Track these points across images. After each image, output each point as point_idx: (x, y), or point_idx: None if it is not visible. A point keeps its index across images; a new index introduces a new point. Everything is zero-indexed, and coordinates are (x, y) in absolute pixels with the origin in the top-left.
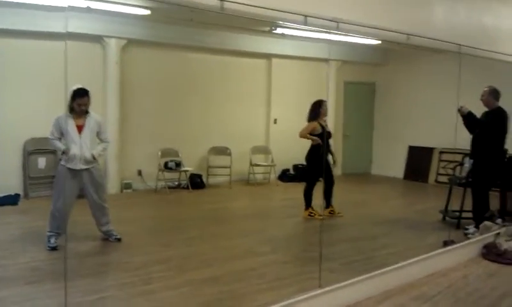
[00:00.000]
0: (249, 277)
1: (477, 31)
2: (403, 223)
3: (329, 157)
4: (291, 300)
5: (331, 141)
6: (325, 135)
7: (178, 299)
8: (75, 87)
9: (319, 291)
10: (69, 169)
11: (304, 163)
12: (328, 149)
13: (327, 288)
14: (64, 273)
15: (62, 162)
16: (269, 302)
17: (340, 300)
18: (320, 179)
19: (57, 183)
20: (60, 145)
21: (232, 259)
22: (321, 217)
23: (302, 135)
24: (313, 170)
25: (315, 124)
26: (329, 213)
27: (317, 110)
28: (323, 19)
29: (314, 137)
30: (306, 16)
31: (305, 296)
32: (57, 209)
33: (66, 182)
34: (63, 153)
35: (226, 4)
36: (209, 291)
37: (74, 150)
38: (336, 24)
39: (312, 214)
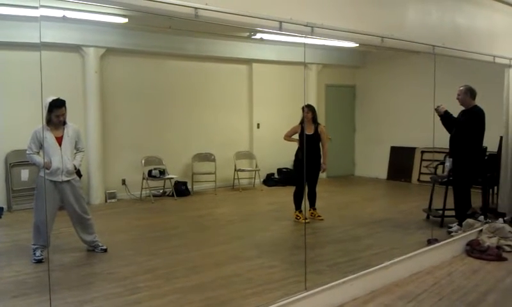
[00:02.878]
0: (236, 282)
1: (450, 31)
2: (388, 223)
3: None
4: (277, 303)
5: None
6: (304, 137)
7: None
8: (50, 99)
9: (305, 293)
10: (50, 181)
11: (288, 167)
12: (313, 152)
13: (313, 291)
14: (48, 285)
15: (41, 174)
16: (255, 306)
17: (326, 302)
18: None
19: (39, 195)
20: (39, 160)
21: (219, 266)
22: (306, 221)
23: (284, 138)
24: (297, 172)
25: (296, 127)
26: (311, 215)
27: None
28: (297, 24)
29: (293, 139)
30: (281, 21)
31: (291, 299)
32: (41, 221)
33: (47, 194)
34: (44, 167)
35: (201, 12)
36: (196, 298)
37: (56, 163)
38: (311, 29)
39: (298, 217)
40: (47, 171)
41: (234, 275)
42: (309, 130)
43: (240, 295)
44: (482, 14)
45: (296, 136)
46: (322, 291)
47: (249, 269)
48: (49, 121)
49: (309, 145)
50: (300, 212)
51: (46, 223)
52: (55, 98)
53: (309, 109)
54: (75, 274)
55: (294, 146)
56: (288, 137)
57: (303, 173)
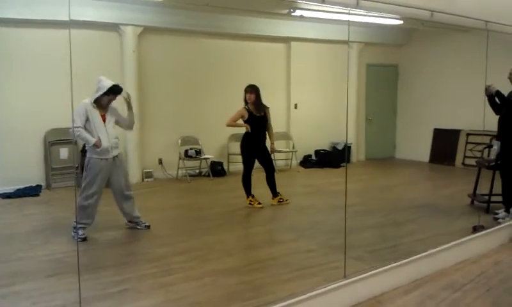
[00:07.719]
0: (271, 266)
1: (504, 6)
2: (430, 208)
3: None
4: (315, 291)
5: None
6: (254, 121)
7: (199, 291)
8: (110, 84)
9: (344, 281)
10: (100, 159)
11: (326, 148)
12: (262, 135)
13: (352, 279)
14: (77, 265)
15: (90, 155)
16: (292, 293)
17: (366, 290)
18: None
19: (89, 175)
20: (90, 138)
21: (253, 249)
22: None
23: (227, 124)
24: (246, 157)
25: (242, 110)
26: (278, 201)
27: (244, 96)
28: None
29: (240, 124)
30: None
31: (329, 287)
32: (89, 201)
33: (99, 174)
34: (94, 145)
35: None
36: (231, 281)
37: (104, 142)
38: (356, 2)
39: (252, 203)
40: (97, 149)
41: (270, 258)
42: (257, 112)
43: (277, 280)
44: None
45: (241, 121)
46: (362, 279)
47: (285, 253)
48: (97, 101)
49: (259, 128)
50: (253, 196)
51: (93, 203)
52: (115, 83)
53: (252, 89)
54: (110, 253)
55: (331, 127)
56: (233, 122)
57: (251, 158)
